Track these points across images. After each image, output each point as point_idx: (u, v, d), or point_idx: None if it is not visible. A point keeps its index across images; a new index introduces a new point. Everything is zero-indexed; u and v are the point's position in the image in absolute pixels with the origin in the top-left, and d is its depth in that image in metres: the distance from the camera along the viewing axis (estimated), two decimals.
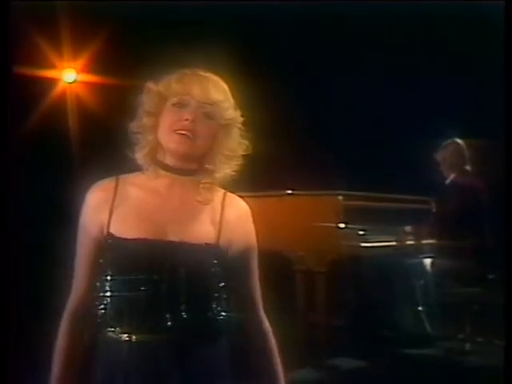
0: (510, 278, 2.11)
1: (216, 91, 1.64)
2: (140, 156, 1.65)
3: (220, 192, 1.70)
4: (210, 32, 4.50)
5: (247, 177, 1.70)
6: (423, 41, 4.84)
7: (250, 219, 1.71)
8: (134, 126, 1.66)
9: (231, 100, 1.67)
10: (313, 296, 4.25)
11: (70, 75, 5.37)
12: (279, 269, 4.03)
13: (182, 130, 1.60)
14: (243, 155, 1.68)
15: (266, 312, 1.72)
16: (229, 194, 1.71)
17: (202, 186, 1.66)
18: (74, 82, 5.39)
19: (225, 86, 1.68)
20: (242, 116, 1.69)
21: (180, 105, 1.62)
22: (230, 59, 2.67)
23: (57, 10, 4.78)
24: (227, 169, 1.67)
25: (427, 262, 4.62)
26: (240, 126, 1.68)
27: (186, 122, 1.60)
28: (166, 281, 1.54)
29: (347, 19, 4.49)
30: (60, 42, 5.05)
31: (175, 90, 1.63)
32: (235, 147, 1.67)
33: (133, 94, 1.69)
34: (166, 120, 1.63)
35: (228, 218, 1.65)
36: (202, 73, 1.66)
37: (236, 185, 1.71)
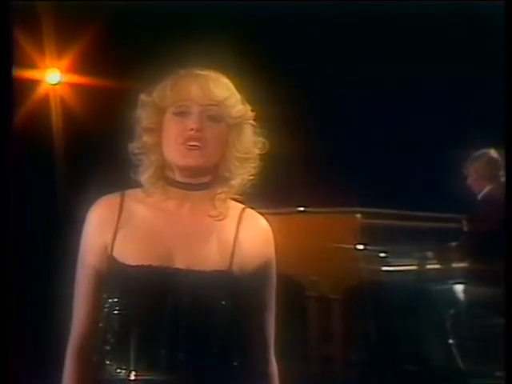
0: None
1: (218, 89, 1.62)
2: (145, 178, 1.65)
3: (237, 207, 1.67)
4: (209, 28, 4.59)
5: (253, 192, 1.69)
6: (435, 45, 5.00)
7: (271, 242, 1.67)
8: (134, 146, 1.65)
9: (237, 95, 1.65)
10: (327, 326, 4.28)
11: (53, 76, 5.43)
12: (289, 295, 4.05)
13: (189, 141, 1.59)
14: (260, 155, 1.67)
15: (275, 342, 1.70)
16: (248, 209, 1.68)
17: (217, 197, 1.65)
18: (58, 83, 5.46)
19: (227, 81, 1.66)
20: (252, 111, 1.68)
21: (181, 113, 1.61)
22: (232, 56, 2.75)
23: (39, 5, 4.86)
24: (244, 174, 1.65)
25: (458, 288, 4.63)
26: (252, 122, 1.66)
27: (192, 132, 1.59)
28: (167, 316, 1.56)
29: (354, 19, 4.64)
30: (42, 39, 5.09)
31: (172, 98, 1.61)
32: (250, 147, 1.66)
33: (123, 96, 1.72)
34: (169, 133, 1.62)
35: (243, 239, 1.63)
36: (198, 71, 1.64)
37: (240, 201, 1.69)
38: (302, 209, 4.46)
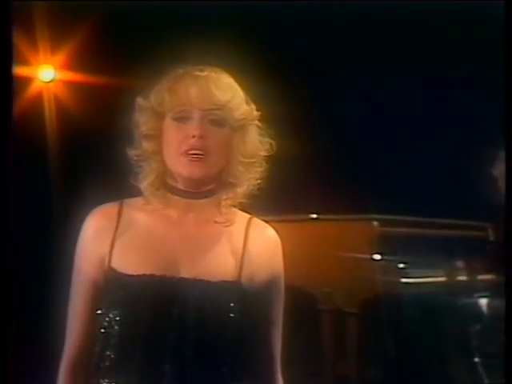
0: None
1: (220, 91, 1.62)
2: (145, 186, 1.65)
3: (244, 216, 1.69)
4: (211, 24, 4.61)
5: (262, 198, 1.69)
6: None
7: (280, 253, 1.69)
8: (133, 153, 1.65)
9: (241, 94, 1.66)
10: (342, 342, 4.27)
11: (47, 73, 5.44)
12: (301, 308, 4.04)
13: (191, 150, 1.59)
14: (267, 157, 1.67)
15: (285, 361, 1.71)
16: (255, 219, 1.69)
17: (223, 203, 1.65)
18: (52, 80, 5.47)
19: (229, 80, 1.66)
20: (257, 110, 1.67)
21: (181, 118, 1.62)
22: (236, 53, 2.74)
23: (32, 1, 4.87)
24: (250, 179, 1.66)
25: (483, 302, 4.62)
26: (257, 122, 1.68)
27: (194, 140, 1.59)
28: (173, 328, 1.55)
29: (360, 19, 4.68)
30: (35, 34, 5.11)
31: (171, 102, 1.62)
32: (255, 149, 1.66)
33: (120, 94, 1.71)
34: (170, 141, 1.62)
35: (251, 249, 1.64)
36: (198, 72, 1.64)
37: (249, 208, 1.69)
38: (313, 216, 4.45)
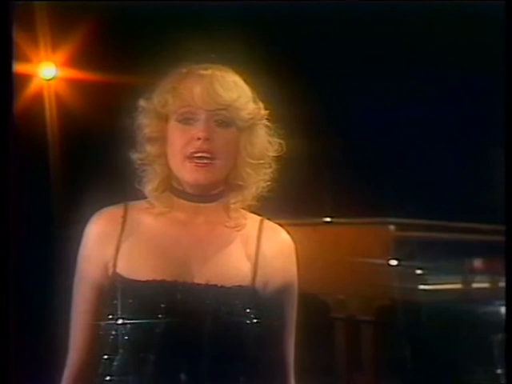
0: None
1: (226, 90, 1.61)
2: (150, 190, 1.65)
3: (255, 218, 1.68)
4: (216, 20, 4.62)
5: (273, 201, 1.67)
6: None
7: (293, 257, 1.68)
8: (137, 157, 1.65)
9: (248, 93, 1.65)
10: (357, 352, 4.27)
11: (48, 70, 5.46)
12: (314, 316, 4.04)
13: (196, 152, 1.58)
14: (277, 157, 1.66)
15: (297, 371, 1.70)
16: (266, 221, 1.69)
17: (232, 207, 1.65)
18: (53, 78, 5.49)
19: (235, 78, 1.65)
20: (265, 109, 1.67)
21: (185, 120, 1.61)
22: (242, 51, 2.74)
23: None
24: (259, 181, 1.66)
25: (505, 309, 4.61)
26: (265, 122, 1.67)
27: (199, 142, 1.58)
28: (187, 336, 1.54)
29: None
30: (36, 30, 5.13)
31: (174, 103, 1.61)
32: (263, 150, 1.65)
33: (123, 93, 1.71)
34: (174, 144, 1.62)
35: (265, 252, 1.64)
36: (202, 71, 1.63)
37: (260, 211, 1.68)
38: (327, 219, 4.44)
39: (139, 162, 1.65)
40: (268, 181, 1.66)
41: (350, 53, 5.13)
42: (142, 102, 1.65)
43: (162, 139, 1.64)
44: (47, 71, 5.49)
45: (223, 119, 1.61)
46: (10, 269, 1.91)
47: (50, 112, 5.41)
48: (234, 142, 1.63)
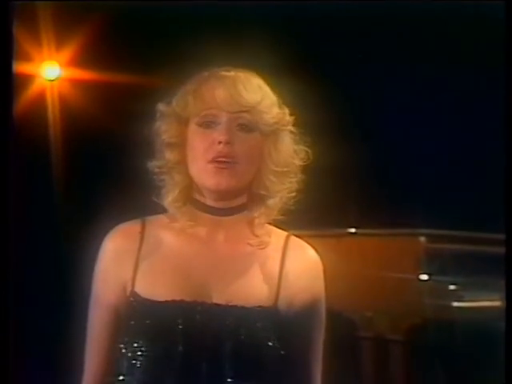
0: None
1: (249, 92, 1.63)
2: (169, 202, 1.67)
3: (280, 234, 1.70)
4: (238, 21, 4.66)
5: (295, 211, 1.69)
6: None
7: (321, 276, 1.70)
8: (154, 165, 1.67)
9: (272, 97, 1.67)
10: (385, 373, 4.27)
11: (51, 70, 5.52)
12: (339, 335, 4.03)
13: (218, 157, 1.61)
14: (302, 166, 1.68)
15: None
16: (293, 237, 1.70)
17: (256, 221, 1.67)
18: (57, 78, 5.55)
19: (259, 81, 1.67)
20: (291, 115, 1.69)
21: (207, 123, 1.63)
22: (268, 54, 2.77)
23: None
24: (283, 190, 1.67)
25: None
26: (291, 128, 1.69)
27: (220, 146, 1.61)
28: (207, 358, 1.57)
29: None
30: (39, 30, 5.17)
31: (196, 106, 1.64)
32: (289, 158, 1.67)
33: (129, 93, 1.77)
34: (195, 149, 1.64)
35: (289, 272, 1.66)
36: (224, 72, 1.65)
37: (281, 221, 1.69)
38: (353, 230, 4.47)
39: (157, 170, 1.67)
40: (292, 191, 1.68)
41: (381, 55, 5.15)
42: (160, 106, 1.68)
43: (181, 145, 1.67)
44: (51, 71, 5.55)
45: (246, 123, 1.64)
46: (10, 269, 1.95)
47: (54, 113, 5.46)
48: (257, 147, 1.66)
